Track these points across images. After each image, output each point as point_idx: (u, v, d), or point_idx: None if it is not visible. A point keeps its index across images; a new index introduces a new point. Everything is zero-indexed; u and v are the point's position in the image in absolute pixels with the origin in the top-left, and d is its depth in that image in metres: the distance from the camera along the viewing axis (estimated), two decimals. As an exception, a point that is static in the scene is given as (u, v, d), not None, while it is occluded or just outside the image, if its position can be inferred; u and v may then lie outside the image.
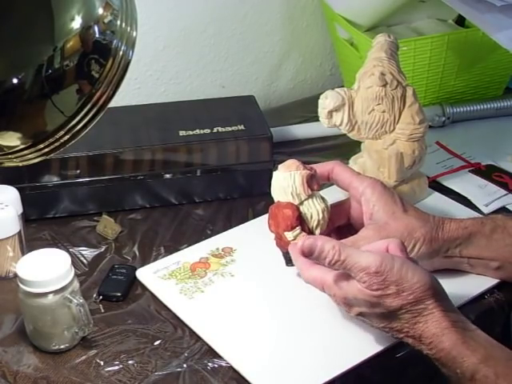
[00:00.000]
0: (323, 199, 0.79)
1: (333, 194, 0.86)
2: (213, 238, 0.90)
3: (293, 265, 0.80)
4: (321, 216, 0.77)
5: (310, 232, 0.78)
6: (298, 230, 0.76)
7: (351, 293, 0.69)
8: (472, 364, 0.65)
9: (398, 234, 0.77)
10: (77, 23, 0.61)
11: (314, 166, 0.80)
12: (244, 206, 0.97)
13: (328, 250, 0.69)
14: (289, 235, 0.76)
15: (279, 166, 0.79)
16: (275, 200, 0.79)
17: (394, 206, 0.78)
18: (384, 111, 0.89)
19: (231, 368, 0.72)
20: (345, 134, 0.92)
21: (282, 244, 0.78)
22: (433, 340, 0.67)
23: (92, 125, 0.65)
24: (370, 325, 0.72)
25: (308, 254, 0.70)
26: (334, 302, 0.73)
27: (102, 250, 0.89)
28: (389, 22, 1.20)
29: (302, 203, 0.77)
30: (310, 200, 0.77)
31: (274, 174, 0.79)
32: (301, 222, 0.77)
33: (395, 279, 0.67)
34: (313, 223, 0.77)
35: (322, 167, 0.81)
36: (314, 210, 0.77)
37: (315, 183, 0.78)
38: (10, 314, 0.79)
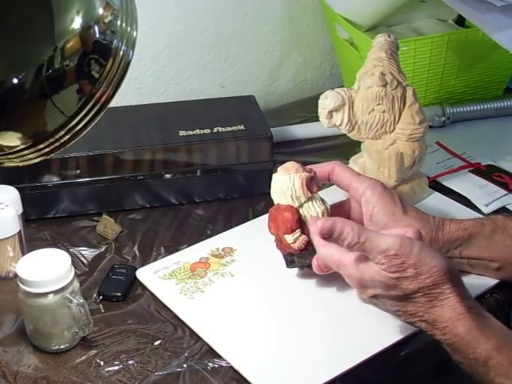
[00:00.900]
0: (323, 201, 0.79)
1: (333, 195, 0.86)
2: (213, 238, 0.90)
3: (293, 266, 0.80)
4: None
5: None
6: (297, 232, 0.76)
7: (368, 274, 0.69)
8: (486, 350, 0.65)
9: (398, 236, 0.76)
10: (77, 23, 0.61)
11: (313, 166, 0.80)
12: (244, 205, 0.97)
13: (347, 232, 0.69)
14: (289, 238, 0.76)
15: (279, 169, 0.79)
16: (275, 202, 0.78)
17: (393, 207, 0.78)
18: (384, 111, 0.89)
19: (231, 368, 0.72)
20: (345, 134, 0.92)
21: (283, 246, 0.78)
22: (447, 324, 0.67)
23: (92, 125, 0.65)
24: (382, 308, 0.72)
25: (327, 236, 0.70)
26: (348, 282, 0.72)
27: (102, 249, 0.89)
28: (389, 21, 1.20)
29: (301, 206, 0.77)
30: (309, 202, 0.77)
31: (274, 176, 0.79)
32: (301, 224, 0.77)
33: (413, 262, 0.67)
34: None
35: (321, 168, 0.81)
36: (313, 213, 0.77)
37: (315, 185, 0.77)
38: (10, 314, 0.79)
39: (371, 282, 0.69)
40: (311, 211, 0.77)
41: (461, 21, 1.21)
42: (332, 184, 0.85)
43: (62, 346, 0.74)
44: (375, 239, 0.68)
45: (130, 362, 0.73)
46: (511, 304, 0.82)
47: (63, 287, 0.72)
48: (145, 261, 0.87)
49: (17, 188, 0.85)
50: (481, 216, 0.91)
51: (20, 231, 0.84)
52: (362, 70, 0.91)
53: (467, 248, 0.79)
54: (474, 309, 0.68)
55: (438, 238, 0.78)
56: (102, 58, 0.63)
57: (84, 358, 0.74)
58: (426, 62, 1.10)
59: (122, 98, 1.11)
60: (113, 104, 0.66)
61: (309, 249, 0.77)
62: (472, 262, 0.80)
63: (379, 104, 0.88)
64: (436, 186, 0.98)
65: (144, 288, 0.83)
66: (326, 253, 0.73)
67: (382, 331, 0.72)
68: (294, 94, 1.33)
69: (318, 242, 0.74)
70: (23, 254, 0.83)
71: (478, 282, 0.81)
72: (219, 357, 0.73)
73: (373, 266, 0.69)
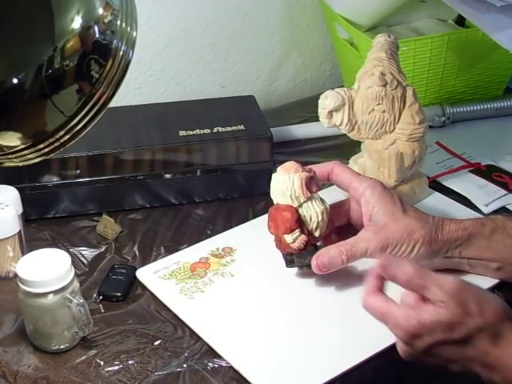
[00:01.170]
0: (322, 201, 0.79)
1: (333, 195, 0.86)
2: (213, 238, 0.90)
3: (293, 266, 0.80)
4: (320, 218, 0.77)
5: (310, 234, 0.78)
6: (297, 232, 0.76)
7: (427, 316, 0.64)
8: None
9: (398, 235, 0.77)
10: (77, 23, 0.61)
11: (313, 166, 0.80)
12: (244, 205, 0.97)
13: (408, 271, 0.65)
14: (288, 238, 0.76)
15: (278, 168, 0.79)
16: (274, 202, 0.79)
17: (393, 206, 0.78)
18: (384, 111, 0.89)
19: (231, 368, 0.72)
20: (345, 134, 0.92)
21: (282, 246, 0.78)
22: (508, 359, 0.64)
23: (92, 125, 0.65)
24: (433, 361, 0.67)
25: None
26: (397, 337, 0.67)
27: (102, 249, 0.89)
28: (389, 21, 1.20)
29: (301, 205, 0.77)
30: (309, 202, 0.77)
31: (273, 176, 0.79)
32: (300, 224, 0.77)
33: (476, 299, 0.65)
34: (312, 225, 0.77)
35: (321, 168, 0.81)
36: (313, 212, 0.77)
37: (314, 185, 0.77)
38: (10, 314, 0.79)
39: (429, 326, 0.64)
40: (310, 211, 0.77)
41: (461, 21, 1.21)
42: (332, 184, 0.85)
43: (62, 346, 0.74)
44: (435, 278, 0.65)
45: (130, 361, 0.73)
46: (511, 304, 0.82)
47: (63, 287, 0.72)
48: (145, 261, 0.87)
49: (17, 188, 0.85)
50: (481, 216, 0.91)
51: (20, 231, 0.84)
52: (362, 70, 0.91)
53: (467, 248, 0.79)
54: None
55: (437, 238, 0.78)
56: (101, 58, 0.63)
57: (84, 357, 0.74)
58: (426, 61, 1.10)
59: (122, 98, 1.12)
60: (113, 104, 0.66)
61: (308, 248, 0.77)
62: (472, 261, 0.80)
63: (379, 104, 0.88)
64: (436, 185, 0.98)
65: (144, 288, 0.83)
66: (373, 303, 0.68)
67: (382, 331, 0.72)
68: (293, 94, 1.33)
69: (366, 290, 0.68)
70: (23, 254, 0.83)
71: (478, 282, 0.81)
72: (219, 357, 0.73)
73: (432, 307, 0.64)
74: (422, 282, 0.65)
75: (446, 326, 0.64)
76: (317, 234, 0.78)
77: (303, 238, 0.76)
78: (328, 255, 0.77)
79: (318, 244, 0.80)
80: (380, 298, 0.67)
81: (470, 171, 1.02)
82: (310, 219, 0.77)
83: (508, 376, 0.65)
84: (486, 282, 0.81)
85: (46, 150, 0.65)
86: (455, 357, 0.66)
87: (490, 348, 0.65)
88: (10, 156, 0.65)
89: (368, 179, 0.81)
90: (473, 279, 0.81)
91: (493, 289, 0.81)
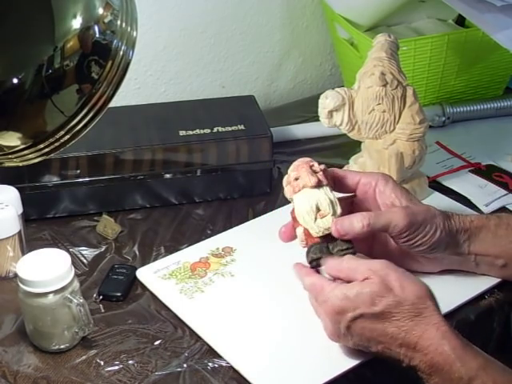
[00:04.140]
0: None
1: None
2: (213, 237, 0.90)
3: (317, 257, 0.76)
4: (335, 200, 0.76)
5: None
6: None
7: (353, 289, 0.68)
8: (471, 369, 0.64)
9: (422, 215, 0.76)
10: (77, 23, 0.61)
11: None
12: (244, 205, 0.97)
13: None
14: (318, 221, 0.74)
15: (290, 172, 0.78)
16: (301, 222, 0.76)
17: (409, 194, 0.79)
18: (384, 111, 0.89)
19: (231, 368, 0.72)
20: (345, 134, 0.92)
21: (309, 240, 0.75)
22: (432, 342, 0.65)
23: (92, 125, 0.66)
24: (353, 342, 0.70)
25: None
26: (322, 317, 0.71)
27: (102, 249, 0.89)
28: (389, 22, 1.20)
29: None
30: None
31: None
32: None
33: (398, 275, 0.68)
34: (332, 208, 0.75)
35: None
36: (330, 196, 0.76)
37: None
38: (10, 314, 0.79)
39: (353, 299, 0.68)
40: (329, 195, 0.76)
41: (461, 21, 1.21)
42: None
43: (62, 346, 0.74)
44: (364, 261, 0.70)
45: (130, 361, 0.73)
46: (511, 304, 0.82)
47: (63, 287, 0.72)
48: (145, 261, 0.87)
49: (17, 188, 0.85)
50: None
51: (20, 231, 0.84)
52: (362, 70, 0.91)
53: (474, 242, 0.78)
54: (455, 330, 0.67)
55: (451, 227, 0.77)
56: (101, 58, 0.63)
57: (84, 357, 0.74)
58: (426, 61, 1.10)
59: (122, 98, 1.12)
60: (113, 104, 0.67)
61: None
62: (478, 258, 0.79)
63: (379, 104, 0.88)
64: (436, 185, 0.98)
65: (144, 288, 0.83)
66: (310, 279, 0.72)
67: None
68: (294, 94, 1.33)
69: (301, 272, 0.74)
70: (23, 253, 0.83)
71: (478, 282, 0.81)
72: (219, 357, 0.73)
73: (357, 283, 0.69)
74: (354, 265, 0.70)
75: (367, 298, 0.67)
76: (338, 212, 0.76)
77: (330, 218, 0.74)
78: (349, 219, 0.75)
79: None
80: (318, 276, 0.72)
81: (469, 171, 1.02)
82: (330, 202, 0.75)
83: (427, 356, 0.66)
84: (488, 281, 0.81)
85: (46, 149, 0.65)
86: (375, 334, 0.68)
87: (411, 326, 0.67)
88: (10, 156, 0.65)
89: (375, 173, 0.81)
90: (473, 279, 0.81)
91: (493, 288, 0.81)
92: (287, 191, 0.77)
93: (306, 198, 0.75)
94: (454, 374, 0.65)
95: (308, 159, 0.77)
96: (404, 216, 0.74)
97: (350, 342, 0.70)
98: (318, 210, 0.74)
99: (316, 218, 0.74)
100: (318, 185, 0.75)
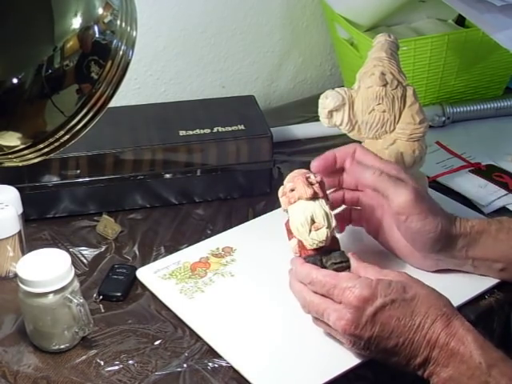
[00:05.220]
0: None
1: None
2: (213, 237, 0.90)
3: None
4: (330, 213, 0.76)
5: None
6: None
7: (389, 274, 0.71)
8: (491, 358, 0.65)
9: (428, 202, 0.77)
10: (77, 23, 0.61)
11: (334, 150, 0.79)
12: (244, 205, 0.97)
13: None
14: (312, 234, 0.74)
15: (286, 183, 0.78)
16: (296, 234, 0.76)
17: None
18: (384, 111, 0.89)
19: (231, 368, 0.72)
20: (345, 134, 0.92)
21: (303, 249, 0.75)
22: (457, 332, 0.67)
23: (92, 125, 0.66)
24: (373, 337, 0.68)
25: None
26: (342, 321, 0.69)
27: (102, 249, 0.89)
28: (389, 22, 1.20)
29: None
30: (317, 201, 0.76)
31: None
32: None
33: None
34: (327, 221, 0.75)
35: (343, 150, 0.81)
36: (326, 209, 0.76)
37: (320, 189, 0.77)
38: (10, 314, 0.79)
39: (386, 287, 0.68)
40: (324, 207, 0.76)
41: (461, 21, 1.21)
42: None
43: (62, 346, 0.74)
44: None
45: (130, 361, 0.73)
46: (511, 304, 0.82)
47: (63, 287, 0.72)
48: (145, 261, 0.87)
49: (17, 188, 0.85)
50: (482, 216, 0.91)
51: (20, 231, 0.84)
52: (362, 70, 0.91)
53: (474, 247, 0.78)
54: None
55: (452, 230, 0.77)
56: (101, 58, 0.63)
57: (84, 357, 0.74)
58: (426, 61, 1.10)
59: (122, 98, 1.12)
60: (113, 104, 0.67)
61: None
62: (476, 262, 0.79)
63: (379, 104, 0.88)
64: (436, 185, 0.98)
65: (144, 288, 0.83)
66: (322, 273, 0.72)
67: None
68: (294, 93, 1.33)
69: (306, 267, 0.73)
70: (23, 254, 0.83)
71: (478, 282, 0.81)
72: (219, 357, 0.73)
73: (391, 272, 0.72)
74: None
75: (399, 286, 0.69)
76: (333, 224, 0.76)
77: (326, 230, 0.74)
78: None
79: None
80: (324, 272, 0.72)
81: (470, 171, 1.02)
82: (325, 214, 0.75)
83: (449, 345, 0.66)
84: (488, 281, 0.81)
85: (46, 149, 0.65)
86: (402, 323, 0.67)
87: (437, 319, 0.68)
88: (10, 156, 0.65)
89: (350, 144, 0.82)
90: (473, 279, 0.81)
91: (493, 288, 0.81)
92: (282, 202, 0.77)
93: (301, 209, 0.75)
94: (475, 360, 0.65)
95: (304, 171, 0.77)
96: (412, 189, 0.76)
97: (368, 333, 0.68)
98: (313, 222, 0.74)
99: (310, 231, 0.74)
100: (314, 197, 0.75)
